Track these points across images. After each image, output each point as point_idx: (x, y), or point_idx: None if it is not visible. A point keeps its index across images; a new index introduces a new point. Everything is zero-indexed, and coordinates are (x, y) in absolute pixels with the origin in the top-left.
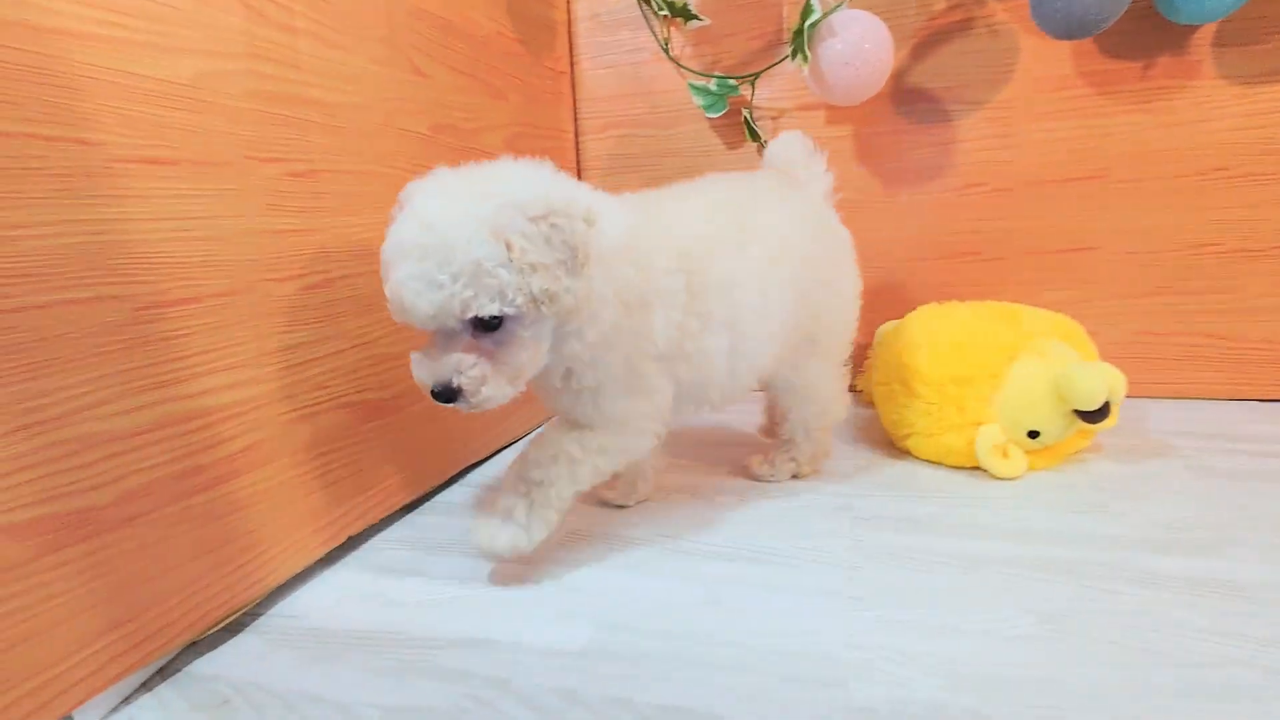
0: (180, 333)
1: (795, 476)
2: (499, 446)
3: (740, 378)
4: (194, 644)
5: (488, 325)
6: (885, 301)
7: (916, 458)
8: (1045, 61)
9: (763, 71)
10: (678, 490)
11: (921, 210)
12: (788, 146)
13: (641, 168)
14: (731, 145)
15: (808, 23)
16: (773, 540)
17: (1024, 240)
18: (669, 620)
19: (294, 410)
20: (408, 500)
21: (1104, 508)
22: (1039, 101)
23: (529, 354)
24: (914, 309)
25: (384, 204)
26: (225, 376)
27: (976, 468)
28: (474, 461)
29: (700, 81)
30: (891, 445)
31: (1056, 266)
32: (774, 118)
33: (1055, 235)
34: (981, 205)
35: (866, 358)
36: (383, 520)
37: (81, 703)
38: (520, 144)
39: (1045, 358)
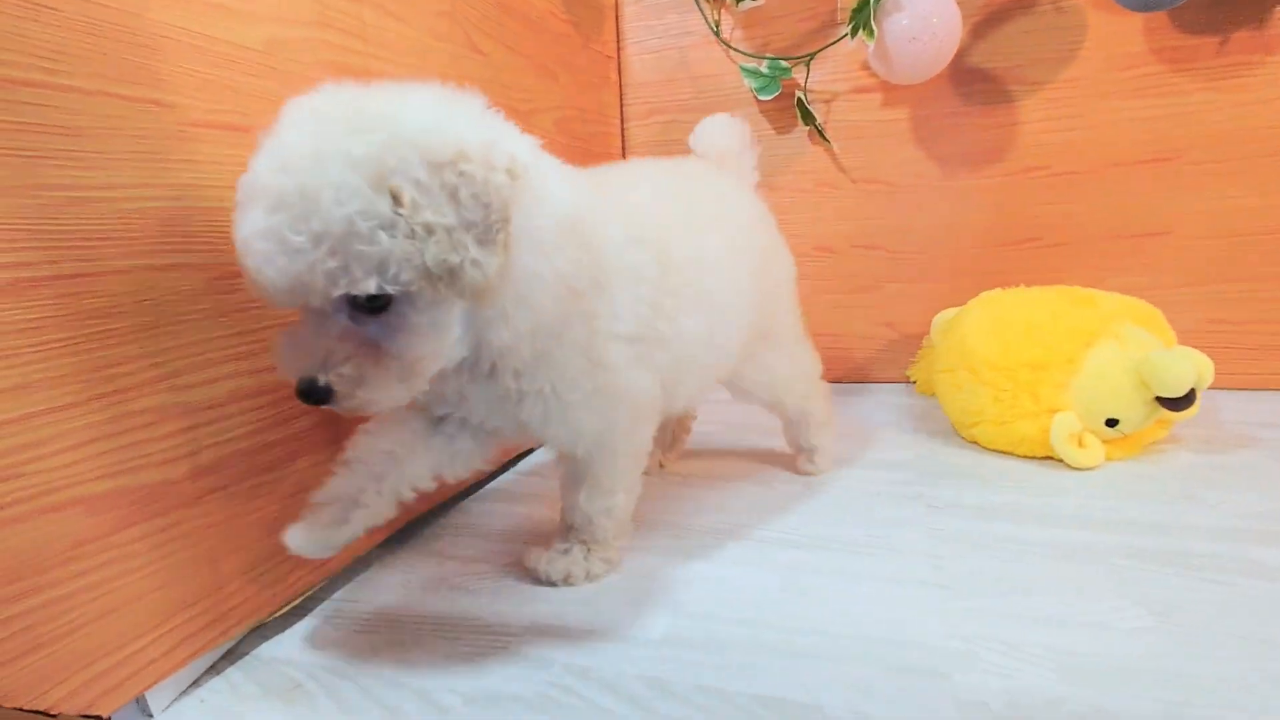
0: (254, 305)
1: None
2: None
3: (714, 370)
4: (258, 627)
5: (369, 306)
6: (942, 290)
7: (984, 447)
8: (1115, 39)
9: (818, 52)
10: (734, 476)
11: (981, 195)
12: (719, 132)
13: (688, 152)
14: (781, 129)
15: None
16: (843, 527)
17: (1089, 225)
18: (747, 608)
19: None
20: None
21: (1195, 498)
22: (1107, 80)
23: (427, 345)
24: (972, 297)
25: None
26: None
27: (1049, 457)
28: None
29: (751, 64)
30: (954, 434)
31: (1124, 252)
32: (826, 100)
33: (1123, 219)
34: (1044, 189)
35: (920, 347)
36: (438, 507)
37: (154, 684)
38: (570, 127)
39: (1125, 343)
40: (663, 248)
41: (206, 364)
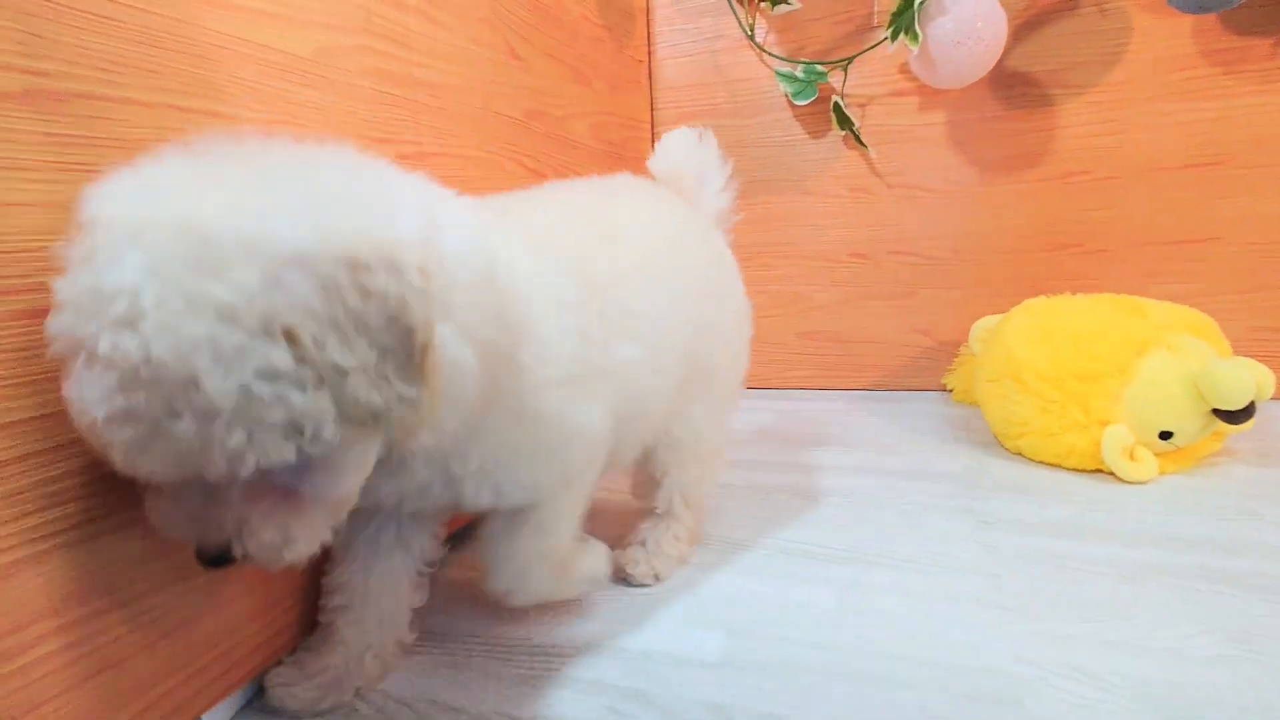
0: None
1: (637, 573)
2: None
3: (655, 407)
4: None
5: None
6: (981, 296)
7: (1030, 459)
8: (1161, 41)
9: (856, 56)
10: (777, 488)
11: (1020, 200)
12: (679, 149)
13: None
14: (815, 134)
15: (919, 1)
16: (894, 543)
17: (1133, 231)
18: (805, 628)
19: None
20: None
21: (1258, 515)
22: (1153, 83)
23: (352, 478)
24: (1012, 304)
25: (481, 190)
26: None
27: (1098, 470)
28: None
29: (786, 68)
30: (997, 445)
31: (1169, 258)
32: (862, 104)
33: (1168, 225)
34: (1085, 194)
35: (957, 354)
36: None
37: (214, 704)
38: (602, 133)
39: (1179, 353)
40: (579, 269)
41: None
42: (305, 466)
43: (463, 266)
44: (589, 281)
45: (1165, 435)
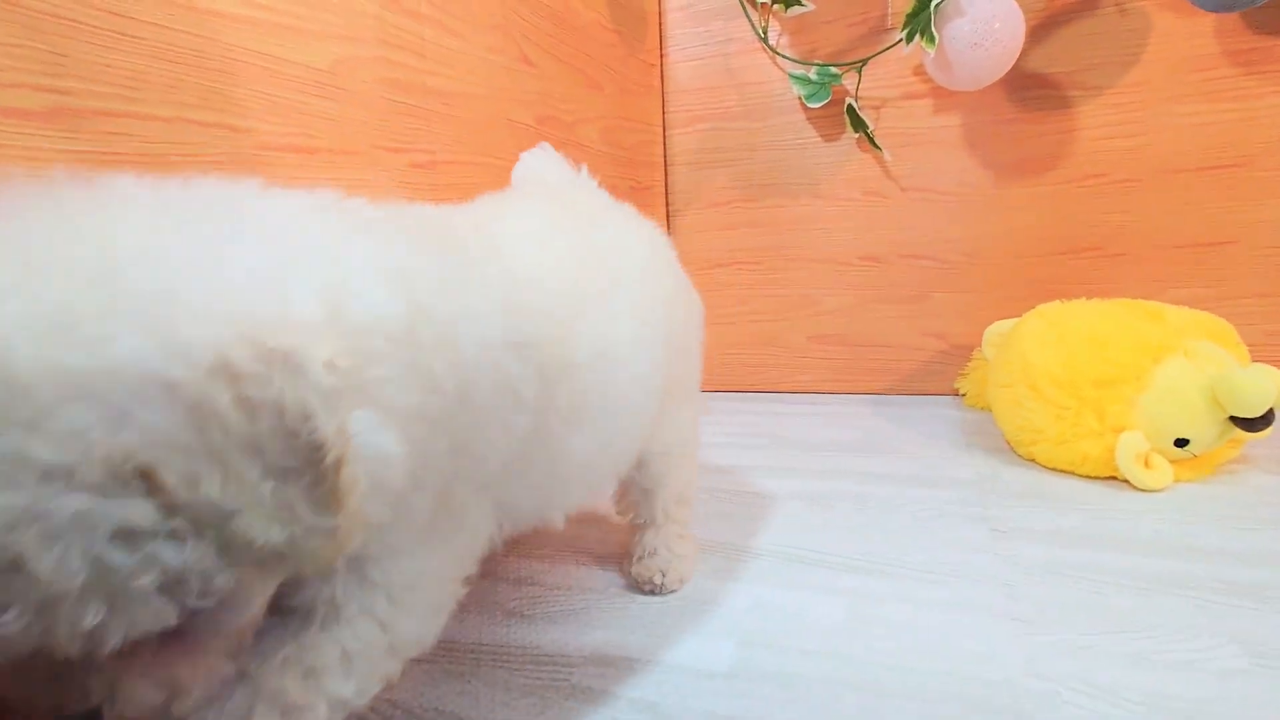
0: None
1: (665, 582)
2: None
3: (605, 478)
4: None
5: None
6: (995, 300)
7: (1043, 466)
8: (1182, 40)
9: (871, 58)
10: (790, 495)
11: (1034, 203)
12: (546, 164)
13: (731, 162)
14: (828, 137)
15: (935, 2)
16: (908, 551)
17: (1151, 234)
18: (816, 639)
19: None
20: None
21: (1276, 525)
22: (1173, 84)
23: (254, 607)
24: (1027, 309)
25: None
26: None
27: (1113, 478)
28: None
29: (799, 71)
30: (1010, 451)
31: (1187, 262)
32: (875, 107)
33: (1187, 228)
34: (1103, 197)
35: (970, 359)
36: None
37: None
38: (611, 137)
39: (1196, 359)
40: (554, 351)
41: None
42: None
43: (379, 334)
44: (561, 366)
45: (1181, 443)
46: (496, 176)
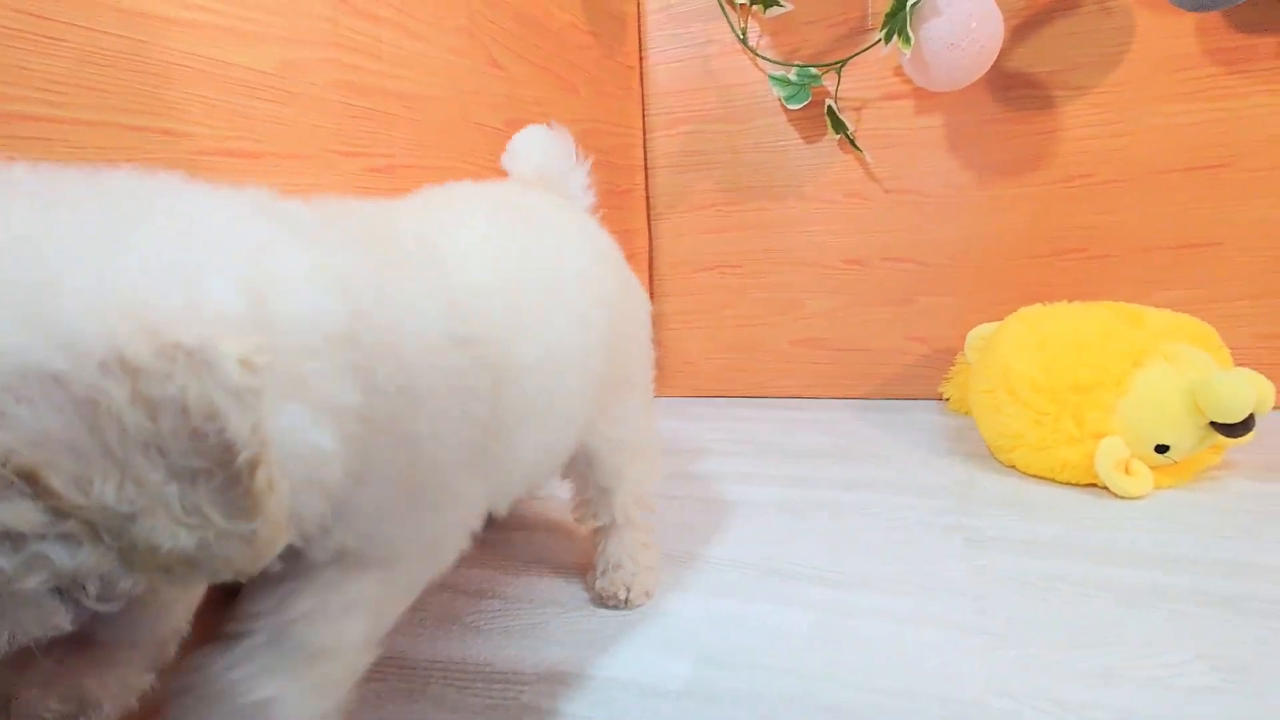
0: None
1: (630, 597)
2: None
3: (548, 470)
4: None
5: None
6: (980, 303)
7: (1023, 473)
8: (1165, 40)
9: (850, 58)
10: (762, 504)
11: (1019, 205)
12: (538, 148)
13: (713, 164)
14: (810, 139)
15: (911, 2)
16: (878, 563)
17: (1136, 236)
18: (779, 655)
19: None
20: None
21: (1256, 533)
22: (1157, 84)
23: (176, 614)
24: (1010, 313)
25: None
26: None
27: (1093, 484)
28: None
29: (780, 72)
30: (991, 457)
31: (1173, 264)
32: (857, 108)
33: (1173, 230)
34: (1087, 198)
35: (955, 363)
36: None
37: None
38: (589, 140)
39: (1177, 363)
40: (500, 352)
41: None
42: (98, 614)
43: (313, 330)
44: (508, 368)
45: (1162, 448)
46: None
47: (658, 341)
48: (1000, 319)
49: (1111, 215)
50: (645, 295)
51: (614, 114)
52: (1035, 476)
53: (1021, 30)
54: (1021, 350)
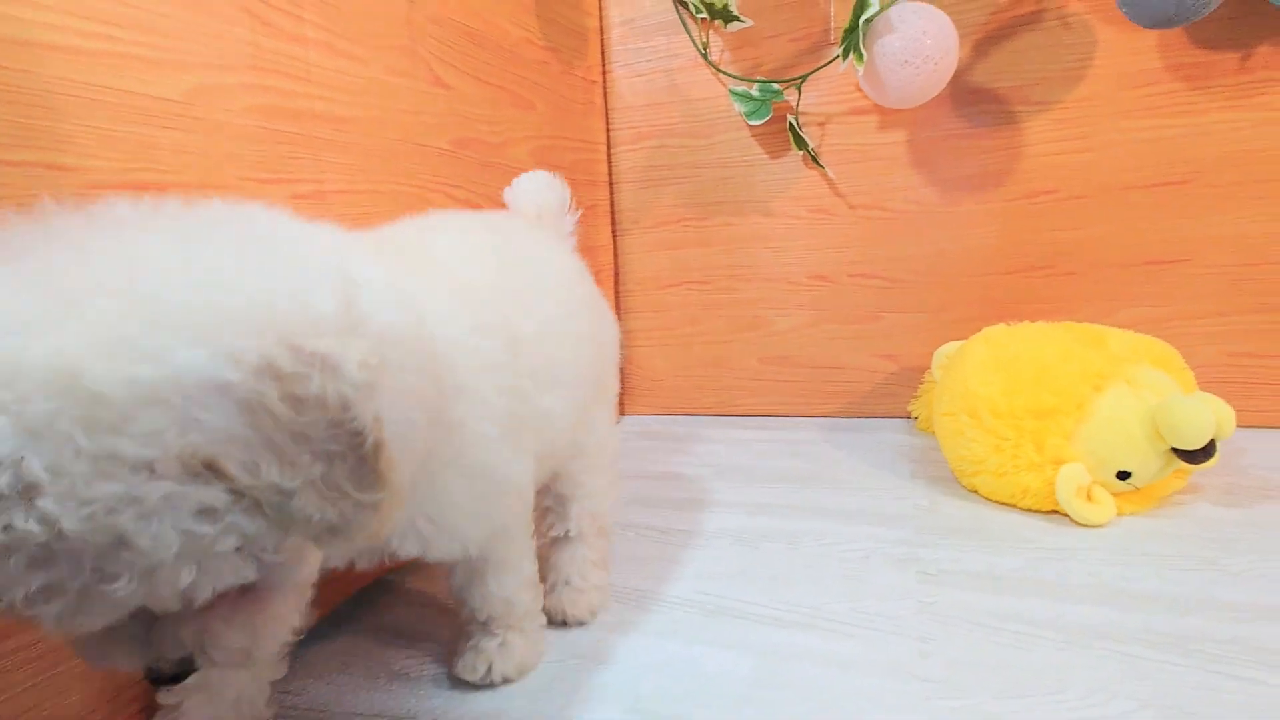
0: None
1: (575, 614)
2: None
3: (563, 445)
4: None
5: None
6: (945, 321)
7: (986, 498)
8: (1126, 55)
9: (809, 74)
10: (719, 533)
11: (984, 221)
12: (540, 190)
13: (677, 179)
14: (774, 154)
15: (863, 18)
16: (829, 599)
17: (1102, 252)
18: (714, 705)
19: None
20: None
21: (1215, 564)
22: (1119, 99)
23: (313, 564)
24: (978, 330)
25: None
26: None
27: (1055, 511)
28: None
29: (741, 87)
30: (953, 482)
31: (1140, 281)
32: (821, 123)
33: (1139, 246)
34: (1052, 215)
35: (923, 381)
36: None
37: None
38: (549, 156)
39: (1138, 387)
40: (508, 329)
41: None
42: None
43: (391, 336)
44: (517, 340)
45: (1124, 475)
46: (402, 204)
47: (624, 359)
48: (968, 336)
49: (1077, 231)
50: (614, 320)
51: (576, 129)
52: (997, 502)
53: (983, 45)
54: (982, 373)
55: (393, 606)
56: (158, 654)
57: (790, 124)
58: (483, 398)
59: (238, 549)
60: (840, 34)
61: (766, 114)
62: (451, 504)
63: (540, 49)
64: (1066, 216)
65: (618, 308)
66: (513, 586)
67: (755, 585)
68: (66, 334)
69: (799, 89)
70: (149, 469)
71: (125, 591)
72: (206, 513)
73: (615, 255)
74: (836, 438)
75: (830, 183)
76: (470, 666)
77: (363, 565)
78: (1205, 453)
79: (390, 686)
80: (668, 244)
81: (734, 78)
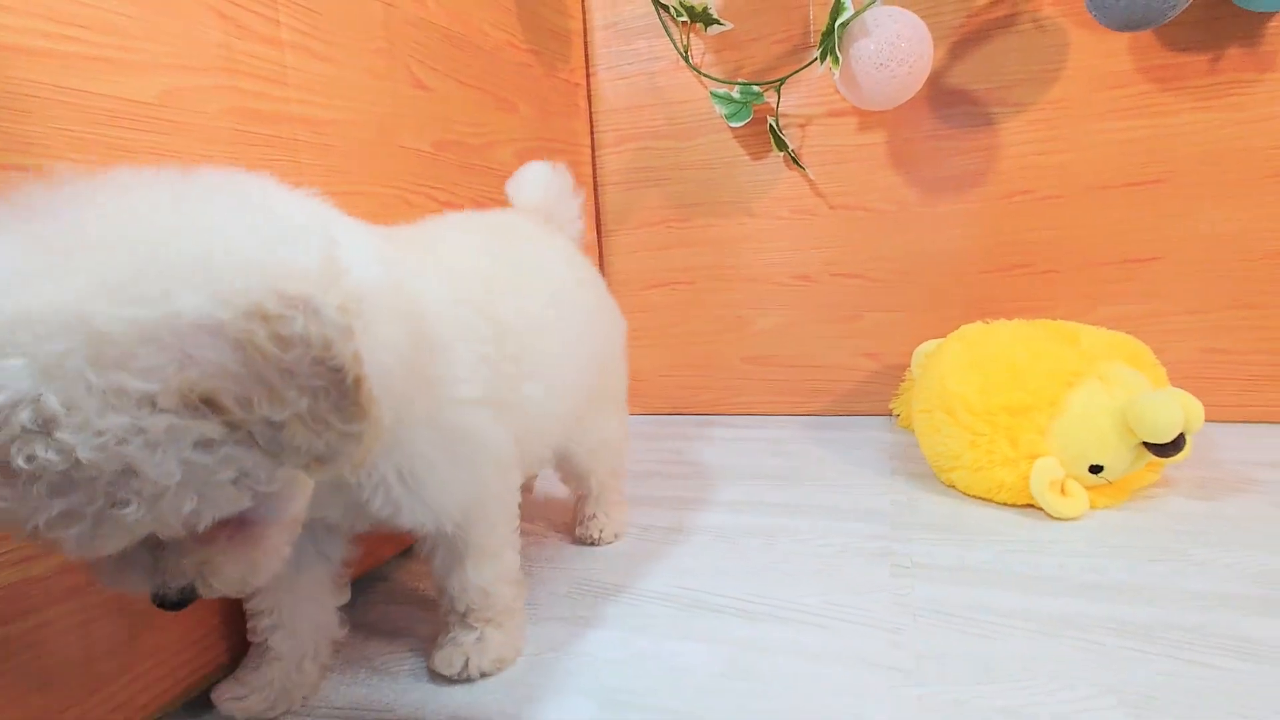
0: None
1: (602, 538)
2: None
3: (553, 439)
4: None
5: None
6: (925, 320)
7: (963, 493)
8: (1099, 57)
9: (788, 77)
10: (701, 530)
11: (963, 220)
12: (539, 182)
13: (661, 181)
14: (756, 155)
15: (838, 22)
16: (803, 593)
17: (1078, 251)
18: (687, 696)
19: None
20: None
21: (1184, 555)
22: (1093, 100)
23: (301, 499)
24: (956, 328)
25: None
26: None
27: (1030, 505)
28: None
29: (722, 89)
30: (932, 478)
31: (1115, 279)
32: (801, 125)
33: (1113, 245)
34: (1030, 214)
35: (904, 379)
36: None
37: None
38: (532, 158)
39: (1110, 383)
40: (491, 311)
41: None
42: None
43: (371, 290)
44: (500, 323)
45: (1096, 469)
46: (382, 206)
47: None
48: (948, 334)
49: (1054, 230)
50: (619, 314)
51: (560, 131)
52: (974, 497)
53: (959, 48)
54: (958, 370)
55: (374, 604)
56: (163, 581)
57: (770, 126)
58: (462, 359)
59: (234, 480)
60: (820, 36)
61: (747, 116)
62: (426, 462)
63: (523, 52)
64: (1043, 216)
65: None
66: (491, 576)
67: (732, 580)
68: (75, 282)
69: (779, 91)
70: (152, 403)
71: (135, 517)
72: (205, 444)
73: (600, 256)
74: (819, 435)
75: (811, 183)
76: (447, 661)
77: (347, 526)
78: (1175, 446)
79: (370, 680)
80: (652, 245)
81: (715, 80)
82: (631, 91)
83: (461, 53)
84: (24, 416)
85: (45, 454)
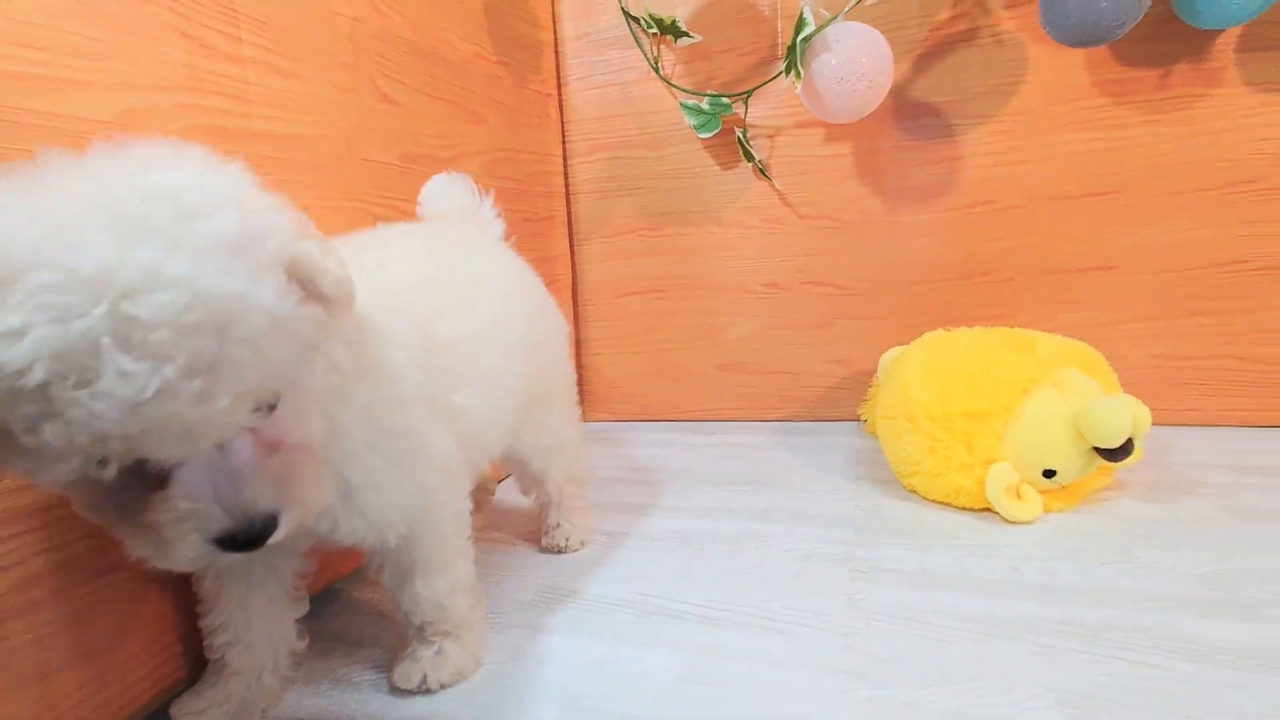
0: None
1: (568, 546)
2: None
3: (492, 447)
4: None
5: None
6: (890, 327)
7: (923, 498)
8: (1056, 71)
9: (755, 89)
10: (664, 535)
11: (928, 230)
12: (447, 192)
13: (633, 190)
14: (726, 166)
15: (800, 37)
16: (763, 598)
17: (1037, 260)
18: (646, 703)
19: None
20: None
21: (1132, 557)
22: (1050, 114)
23: (316, 420)
24: (922, 332)
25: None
26: None
27: (987, 510)
28: None
29: (691, 100)
30: (895, 483)
31: (1072, 287)
32: (770, 136)
33: (1071, 254)
34: (990, 224)
35: (871, 385)
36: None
37: None
38: (502, 169)
39: (1064, 390)
40: (425, 326)
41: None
42: (280, 417)
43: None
44: (433, 338)
45: (1049, 473)
46: (350, 220)
47: (583, 366)
48: (913, 340)
49: (1014, 240)
50: (561, 317)
51: (531, 142)
52: (934, 502)
53: (922, 61)
54: (919, 377)
55: (337, 615)
56: (242, 510)
57: (738, 137)
58: (393, 365)
59: (308, 344)
60: (785, 50)
61: (716, 127)
62: (363, 468)
63: (492, 63)
64: (1004, 226)
65: (576, 316)
66: (444, 589)
67: (694, 586)
68: (138, 180)
69: (746, 103)
70: (238, 247)
71: (243, 358)
72: (282, 296)
73: (573, 265)
74: (788, 441)
75: (780, 193)
76: (405, 676)
77: (289, 542)
78: (1124, 450)
79: (331, 692)
80: (624, 253)
81: (685, 91)
82: (603, 102)
83: (429, 65)
84: (130, 274)
85: (161, 298)
